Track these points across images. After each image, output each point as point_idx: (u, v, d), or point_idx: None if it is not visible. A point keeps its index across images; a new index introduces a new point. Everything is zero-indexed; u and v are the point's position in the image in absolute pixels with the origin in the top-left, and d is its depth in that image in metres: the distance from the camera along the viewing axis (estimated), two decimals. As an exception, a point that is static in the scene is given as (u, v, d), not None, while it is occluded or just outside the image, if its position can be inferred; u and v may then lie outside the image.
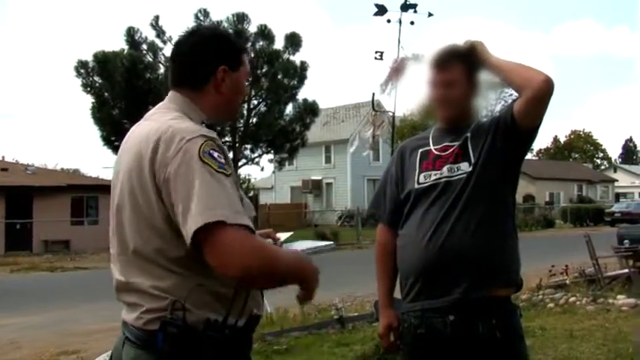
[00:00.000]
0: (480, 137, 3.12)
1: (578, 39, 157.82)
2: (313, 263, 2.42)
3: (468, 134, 3.16)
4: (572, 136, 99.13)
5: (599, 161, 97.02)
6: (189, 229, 2.09)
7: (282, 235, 2.73)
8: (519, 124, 3.01)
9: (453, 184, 3.10)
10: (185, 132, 2.22)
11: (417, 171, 3.22)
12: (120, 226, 2.36)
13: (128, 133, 2.48)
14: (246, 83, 2.66)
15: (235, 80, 2.52)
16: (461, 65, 3.14)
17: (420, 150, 3.28)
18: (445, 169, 3.14)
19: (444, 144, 3.21)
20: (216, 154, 2.20)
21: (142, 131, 2.35)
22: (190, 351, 2.20)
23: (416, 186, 3.20)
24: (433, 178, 3.15)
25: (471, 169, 3.09)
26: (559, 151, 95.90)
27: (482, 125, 3.16)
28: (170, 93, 2.51)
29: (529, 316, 10.54)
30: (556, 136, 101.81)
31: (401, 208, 3.25)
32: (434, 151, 3.22)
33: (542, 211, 51.51)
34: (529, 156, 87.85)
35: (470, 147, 3.13)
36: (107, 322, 11.63)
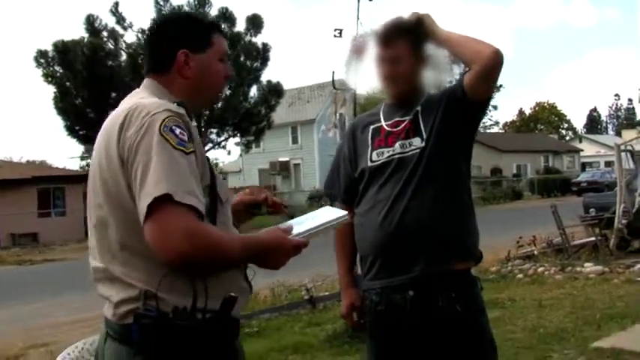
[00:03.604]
0: (431, 111, 3.10)
1: (537, 11, 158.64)
2: (294, 244, 2.33)
3: (419, 109, 3.13)
4: (536, 108, 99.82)
5: (564, 132, 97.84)
6: (142, 205, 2.04)
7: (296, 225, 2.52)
8: (470, 97, 3.00)
9: (406, 161, 3.07)
10: (151, 107, 2.18)
11: (370, 148, 3.19)
12: (94, 211, 2.27)
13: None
14: (225, 62, 2.53)
15: (202, 62, 2.43)
16: (407, 40, 3.09)
17: (372, 127, 3.24)
18: (397, 145, 3.11)
19: (395, 119, 3.17)
20: (177, 131, 2.13)
21: (113, 113, 2.29)
22: (168, 341, 2.11)
23: (369, 164, 3.17)
24: (386, 155, 3.13)
25: (423, 144, 3.07)
26: (524, 123, 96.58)
27: (433, 99, 3.13)
28: (144, 80, 2.48)
29: (498, 288, 10.64)
30: (521, 109, 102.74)
31: (356, 186, 3.22)
32: (385, 127, 3.19)
33: (509, 184, 52.01)
34: (495, 129, 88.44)
35: (421, 122, 3.11)
36: (76, 314, 11.60)
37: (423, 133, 3.08)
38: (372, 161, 3.16)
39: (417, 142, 3.08)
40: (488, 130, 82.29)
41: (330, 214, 2.67)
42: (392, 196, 3.04)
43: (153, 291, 2.10)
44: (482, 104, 3.09)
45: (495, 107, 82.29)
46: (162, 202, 2.01)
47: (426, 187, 3.02)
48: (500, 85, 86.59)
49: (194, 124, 2.31)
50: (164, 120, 2.12)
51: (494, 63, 2.92)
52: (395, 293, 3.06)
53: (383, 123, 3.20)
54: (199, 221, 2.07)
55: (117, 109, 2.32)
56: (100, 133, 2.32)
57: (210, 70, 2.46)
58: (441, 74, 3.18)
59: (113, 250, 2.20)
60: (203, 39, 2.46)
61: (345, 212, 2.62)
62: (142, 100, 2.27)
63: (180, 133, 2.14)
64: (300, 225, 2.50)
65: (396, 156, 3.09)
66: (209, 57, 2.45)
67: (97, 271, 2.27)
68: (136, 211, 2.08)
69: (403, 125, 3.13)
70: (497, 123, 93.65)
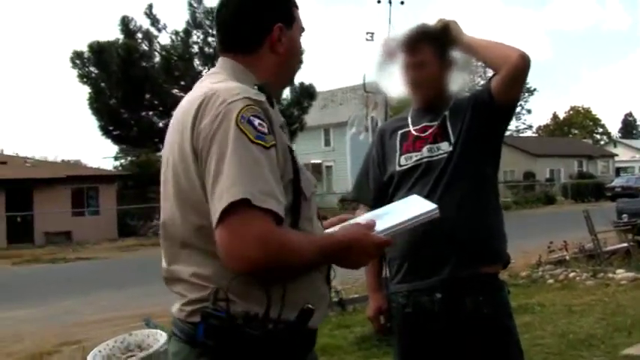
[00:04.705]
0: (459, 116, 3.12)
1: (572, 14, 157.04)
2: (372, 239, 2.15)
3: (447, 113, 3.16)
4: (571, 112, 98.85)
5: (598, 136, 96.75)
6: (216, 208, 1.88)
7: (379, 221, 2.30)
8: (497, 101, 3.02)
9: (434, 165, 3.09)
10: (227, 94, 1.99)
11: (398, 153, 3.22)
12: (163, 206, 2.14)
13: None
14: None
15: (291, 39, 2.26)
16: (431, 46, 3.12)
17: (400, 132, 3.27)
18: (425, 149, 3.13)
19: (423, 124, 3.20)
20: (256, 122, 1.94)
21: (187, 100, 2.14)
22: (234, 349, 1.93)
23: (397, 168, 3.19)
24: (414, 159, 3.15)
25: (451, 148, 3.09)
26: (558, 127, 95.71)
27: (460, 103, 3.15)
28: (219, 59, 2.28)
29: (529, 293, 10.60)
30: (555, 113, 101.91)
31: (384, 190, 3.24)
32: (413, 132, 3.21)
33: (542, 188, 51.57)
34: (529, 133, 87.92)
35: (449, 126, 3.13)
36: (107, 312, 11.72)
37: (451, 138, 3.10)
38: (400, 165, 3.19)
39: (445, 146, 3.10)
40: (521, 134, 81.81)
41: (416, 206, 2.49)
42: None
43: (224, 291, 1.95)
44: (509, 108, 3.12)
45: (529, 111, 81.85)
46: (238, 206, 1.85)
47: (453, 190, 3.04)
48: (534, 89, 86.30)
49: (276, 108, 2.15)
50: (241, 110, 1.95)
51: (521, 67, 2.95)
52: (422, 296, 3.08)
53: (411, 128, 3.23)
54: (276, 227, 1.91)
55: (190, 94, 2.17)
56: (172, 122, 2.18)
57: (296, 46, 2.32)
58: (467, 79, 3.20)
59: (179, 249, 2.09)
60: (291, 12, 2.30)
61: (434, 206, 2.45)
62: (219, 84, 2.09)
63: (260, 124, 1.96)
64: (383, 219, 2.32)
65: (424, 160, 3.12)
66: (295, 32, 2.30)
67: (163, 270, 2.16)
68: (205, 209, 1.94)
69: (431, 130, 3.15)
70: (530, 127, 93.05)
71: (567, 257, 13.49)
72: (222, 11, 2.28)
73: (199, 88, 2.13)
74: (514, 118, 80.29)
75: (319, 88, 38.14)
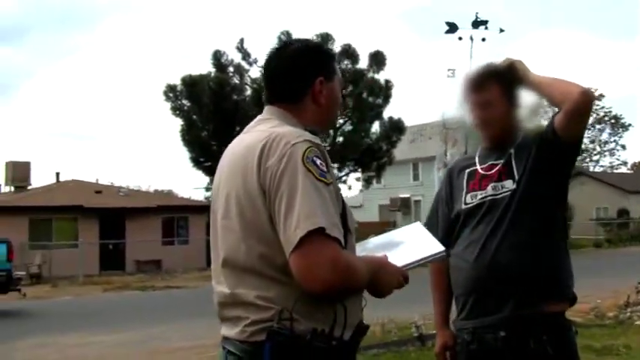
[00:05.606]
0: (524, 154, 3.14)
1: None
2: (401, 271, 2.37)
3: (512, 151, 3.18)
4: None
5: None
6: (292, 236, 2.09)
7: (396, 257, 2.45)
8: (561, 138, 3.02)
9: (497, 202, 3.12)
10: (290, 136, 2.23)
11: (464, 191, 3.26)
12: (224, 237, 2.34)
13: (227, 149, 2.49)
14: (341, 90, 2.63)
15: (331, 90, 2.50)
16: (497, 84, 3.16)
17: (467, 170, 3.32)
18: (489, 187, 3.17)
19: (490, 163, 3.24)
20: (318, 161, 2.19)
21: (244, 142, 2.36)
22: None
23: (463, 206, 3.24)
24: (479, 197, 3.19)
25: (515, 186, 3.11)
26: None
27: (526, 141, 3.17)
28: (266, 108, 2.51)
29: (614, 334, 10.32)
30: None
31: (453, 228, 3.28)
32: (480, 170, 3.26)
33: (637, 226, 49.97)
34: (623, 169, 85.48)
35: (514, 164, 3.15)
36: (192, 340, 11.90)
37: (516, 176, 3.12)
38: (465, 204, 3.23)
39: (509, 184, 3.13)
40: (615, 170, 79.75)
41: (424, 244, 2.62)
42: (483, 237, 3.09)
43: (288, 312, 2.15)
44: (573, 145, 3.12)
45: (623, 147, 79.21)
46: (313, 234, 2.07)
47: (517, 228, 3.06)
48: (629, 124, 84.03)
49: None
50: (305, 150, 2.18)
51: (583, 103, 2.97)
52: (487, 333, 3.10)
53: (478, 167, 3.28)
54: (342, 251, 2.14)
55: (245, 136, 2.40)
56: (227, 162, 2.40)
57: (336, 98, 2.54)
58: (533, 117, 3.23)
59: (241, 274, 2.25)
60: (332, 66, 2.56)
61: (442, 248, 2.60)
62: (277, 128, 2.31)
63: (321, 163, 2.19)
64: (391, 253, 2.44)
65: (488, 198, 3.15)
66: (336, 85, 2.54)
67: (222, 296, 2.33)
68: (271, 239, 2.17)
69: (497, 168, 3.19)
70: (625, 163, 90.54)
71: (658, 298, 13.08)
72: (272, 67, 2.56)
73: (259, 132, 2.35)
74: (608, 154, 78.48)
75: (408, 122, 38.03)
